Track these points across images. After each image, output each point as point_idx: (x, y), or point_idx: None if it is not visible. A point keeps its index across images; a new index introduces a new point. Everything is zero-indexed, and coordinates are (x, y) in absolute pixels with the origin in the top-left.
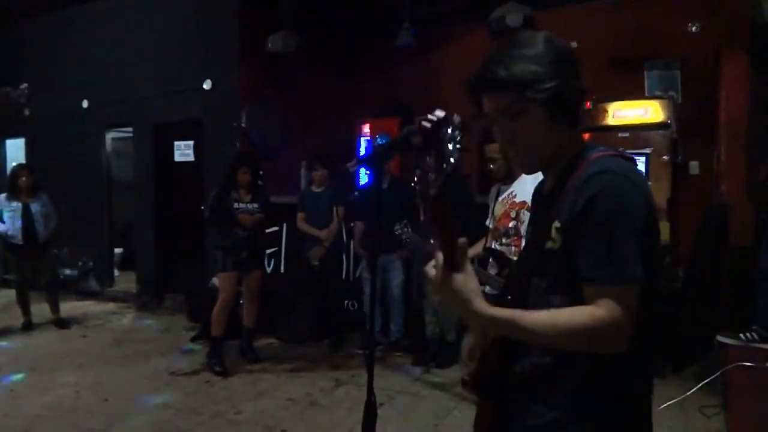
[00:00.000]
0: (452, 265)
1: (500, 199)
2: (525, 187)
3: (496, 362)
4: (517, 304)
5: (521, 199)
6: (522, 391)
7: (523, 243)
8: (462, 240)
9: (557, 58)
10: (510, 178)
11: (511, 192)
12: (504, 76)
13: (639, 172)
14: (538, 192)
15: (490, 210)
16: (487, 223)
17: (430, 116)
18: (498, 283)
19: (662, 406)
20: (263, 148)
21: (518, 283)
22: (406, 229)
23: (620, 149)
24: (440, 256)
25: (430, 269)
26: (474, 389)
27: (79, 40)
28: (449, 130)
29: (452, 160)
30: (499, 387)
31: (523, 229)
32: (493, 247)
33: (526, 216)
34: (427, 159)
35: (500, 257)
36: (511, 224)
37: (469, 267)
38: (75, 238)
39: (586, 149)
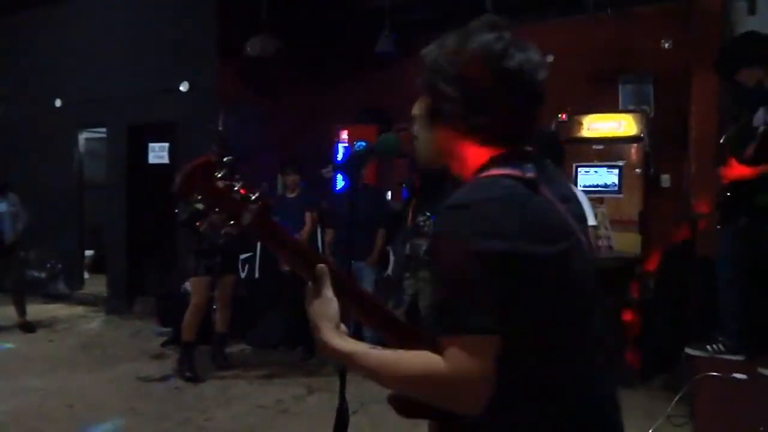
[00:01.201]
0: (316, 289)
1: None
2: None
3: None
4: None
5: None
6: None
7: None
8: (320, 266)
9: (476, 72)
10: None
11: None
12: (423, 52)
13: (525, 203)
14: None
15: None
16: None
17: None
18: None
19: (630, 416)
20: (240, 152)
21: None
22: (428, 222)
23: (529, 166)
24: (308, 290)
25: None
26: (397, 408)
27: (54, 38)
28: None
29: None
30: (429, 409)
31: None
32: None
33: None
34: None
35: None
36: None
37: (327, 293)
38: (44, 240)
39: (491, 165)
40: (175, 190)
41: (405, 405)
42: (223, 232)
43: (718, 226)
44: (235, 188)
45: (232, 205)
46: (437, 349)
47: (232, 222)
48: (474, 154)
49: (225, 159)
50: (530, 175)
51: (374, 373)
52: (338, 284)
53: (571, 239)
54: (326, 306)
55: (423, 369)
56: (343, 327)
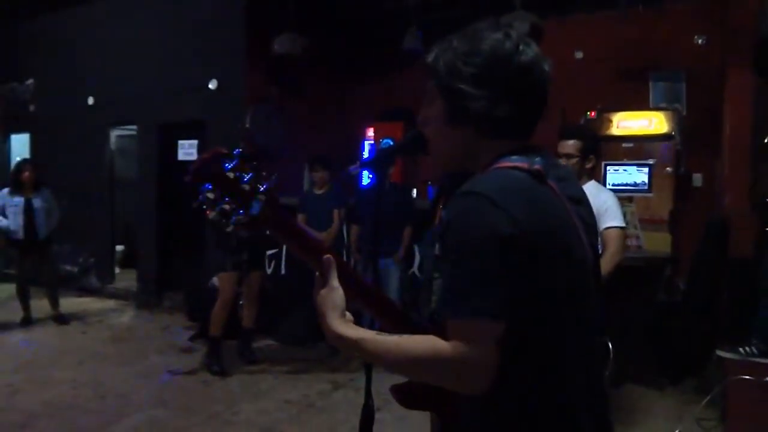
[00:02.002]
0: (323, 279)
1: None
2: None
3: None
4: None
5: None
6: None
7: None
8: (327, 257)
9: (487, 65)
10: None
11: None
12: (428, 60)
13: (529, 191)
14: None
15: None
16: None
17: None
18: None
19: (660, 418)
20: (267, 150)
21: None
22: None
23: (537, 159)
24: (317, 280)
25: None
26: (400, 399)
27: (86, 37)
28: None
29: (262, 186)
30: (430, 401)
31: None
32: None
33: None
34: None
35: None
36: None
37: (333, 282)
38: (77, 235)
39: (502, 158)
40: (187, 179)
41: (406, 395)
42: (233, 221)
43: (767, 228)
44: (245, 179)
45: (242, 194)
46: (439, 335)
47: (241, 212)
48: (488, 150)
49: (235, 152)
50: (537, 167)
51: (381, 357)
52: (343, 274)
53: (573, 234)
54: (333, 295)
55: (428, 351)
56: (348, 315)
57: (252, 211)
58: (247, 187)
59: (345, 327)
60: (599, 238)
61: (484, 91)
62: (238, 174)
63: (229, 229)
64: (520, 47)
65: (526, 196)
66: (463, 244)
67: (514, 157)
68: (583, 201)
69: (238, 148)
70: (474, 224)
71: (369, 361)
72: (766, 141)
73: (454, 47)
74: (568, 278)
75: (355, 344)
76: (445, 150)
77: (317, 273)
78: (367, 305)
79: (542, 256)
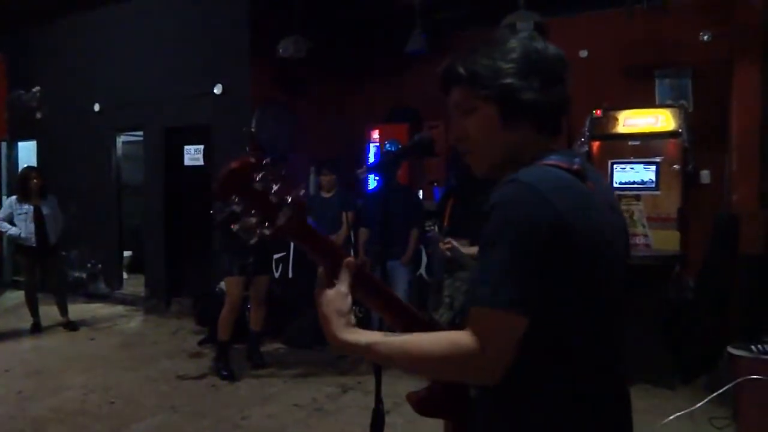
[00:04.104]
0: (330, 280)
1: None
2: None
3: (442, 386)
4: None
5: None
6: (474, 415)
7: None
8: (348, 260)
9: (524, 57)
10: None
11: None
12: (460, 70)
13: (572, 188)
14: None
15: None
16: None
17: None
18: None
19: (672, 417)
20: (273, 153)
21: None
22: (434, 230)
23: (576, 159)
24: (319, 277)
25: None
26: (417, 407)
27: (92, 43)
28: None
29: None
30: (446, 409)
31: None
32: None
33: None
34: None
35: None
36: None
37: (342, 287)
38: (84, 241)
39: (540, 157)
40: (214, 191)
41: (422, 402)
42: (257, 233)
43: None
44: (273, 191)
45: (269, 208)
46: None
47: (266, 224)
48: (534, 148)
49: (264, 161)
50: (577, 166)
51: (394, 358)
52: (360, 277)
53: (608, 234)
54: (339, 300)
55: (443, 344)
56: (352, 319)
57: (277, 223)
58: (274, 199)
59: (351, 333)
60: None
61: (531, 81)
62: (265, 185)
63: (253, 241)
64: (545, 44)
65: (569, 192)
66: (504, 229)
67: (554, 156)
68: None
69: (265, 156)
70: (518, 210)
71: (381, 364)
72: None
73: (485, 52)
74: (600, 277)
75: (365, 349)
76: (499, 154)
77: (320, 271)
78: (386, 311)
79: (580, 252)
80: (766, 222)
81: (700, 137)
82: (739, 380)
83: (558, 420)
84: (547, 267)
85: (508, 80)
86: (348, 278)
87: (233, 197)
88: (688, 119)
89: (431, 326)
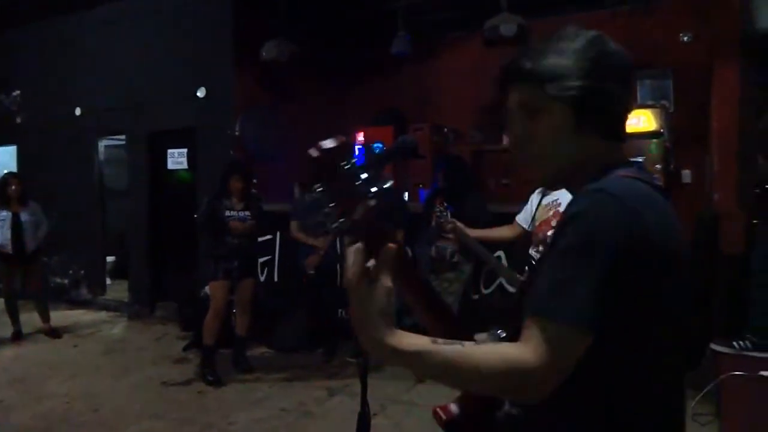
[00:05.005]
0: (376, 273)
1: (544, 203)
2: (569, 196)
3: (477, 405)
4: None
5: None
6: None
7: None
8: (389, 246)
9: (599, 57)
10: None
11: (556, 200)
12: (529, 66)
13: (657, 203)
14: None
15: (530, 211)
16: (521, 222)
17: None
18: (515, 279)
19: None
20: (257, 156)
21: (519, 303)
22: (445, 214)
23: (654, 175)
24: (356, 257)
25: (348, 270)
26: (444, 426)
27: (73, 47)
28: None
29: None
30: (474, 428)
31: None
32: (530, 252)
33: None
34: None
35: (531, 265)
36: (550, 233)
37: (387, 281)
38: (66, 247)
39: (616, 167)
40: (311, 170)
41: (452, 422)
42: (335, 228)
43: (755, 221)
44: (361, 179)
45: (352, 201)
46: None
47: (343, 217)
48: (602, 157)
49: (359, 150)
50: (659, 182)
51: (445, 372)
52: (407, 270)
53: (684, 253)
54: (384, 297)
55: (503, 358)
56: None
57: (354, 216)
58: (361, 189)
59: (399, 338)
60: None
61: (608, 84)
62: (355, 173)
63: (332, 231)
64: (616, 47)
65: (656, 208)
66: (587, 241)
67: (628, 168)
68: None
69: (362, 147)
70: (604, 223)
71: (427, 375)
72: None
73: (556, 49)
74: (676, 297)
75: (413, 357)
76: (567, 160)
77: (354, 261)
78: (428, 312)
79: (662, 271)
80: (746, 221)
81: (681, 137)
82: (722, 377)
83: None
84: (628, 286)
85: (586, 82)
86: (389, 268)
87: (318, 184)
88: (669, 119)
89: (467, 333)
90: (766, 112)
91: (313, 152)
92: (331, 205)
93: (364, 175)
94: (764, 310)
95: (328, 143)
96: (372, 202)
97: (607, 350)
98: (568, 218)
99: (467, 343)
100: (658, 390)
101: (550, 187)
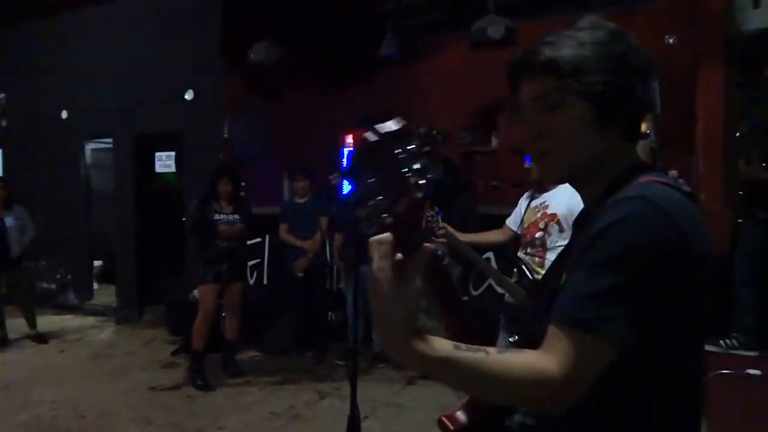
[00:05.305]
0: (405, 276)
1: (532, 205)
2: (558, 198)
3: (485, 413)
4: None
5: (552, 211)
6: None
7: (547, 257)
8: (427, 245)
9: (624, 52)
10: (543, 186)
11: (544, 201)
12: (548, 56)
13: (690, 209)
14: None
15: (519, 214)
16: (511, 225)
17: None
18: (518, 292)
19: None
20: (246, 159)
21: (534, 310)
22: (436, 218)
23: (680, 180)
24: (383, 251)
25: (377, 270)
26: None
27: (59, 49)
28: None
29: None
30: None
31: (549, 242)
32: (519, 255)
33: (554, 229)
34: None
35: (521, 268)
36: (537, 235)
37: (418, 281)
38: (53, 251)
39: (637, 170)
40: (358, 156)
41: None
42: (377, 223)
43: (740, 220)
44: (412, 170)
45: (401, 190)
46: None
47: (388, 211)
48: (620, 159)
49: (416, 134)
50: (686, 188)
51: (466, 376)
52: (437, 270)
53: (712, 265)
54: (413, 300)
55: (527, 368)
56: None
57: (396, 210)
58: (410, 180)
59: (424, 344)
60: None
61: (631, 80)
62: (408, 162)
63: (375, 226)
64: (638, 43)
65: (691, 216)
66: (624, 251)
67: (652, 173)
68: None
69: (417, 131)
70: (644, 233)
71: (447, 382)
72: (737, 135)
73: (576, 41)
74: (704, 303)
75: (437, 364)
76: (585, 159)
77: (381, 258)
78: (449, 315)
79: (695, 277)
80: (731, 221)
81: (667, 138)
82: (709, 375)
83: None
84: (664, 295)
85: (610, 77)
86: (419, 269)
87: (369, 174)
88: (655, 121)
89: (483, 338)
90: (751, 114)
91: (371, 136)
92: (378, 198)
93: (416, 166)
94: (749, 308)
95: (390, 125)
96: (419, 194)
97: (634, 361)
98: (609, 224)
99: (491, 350)
100: (683, 400)
101: (562, 180)
